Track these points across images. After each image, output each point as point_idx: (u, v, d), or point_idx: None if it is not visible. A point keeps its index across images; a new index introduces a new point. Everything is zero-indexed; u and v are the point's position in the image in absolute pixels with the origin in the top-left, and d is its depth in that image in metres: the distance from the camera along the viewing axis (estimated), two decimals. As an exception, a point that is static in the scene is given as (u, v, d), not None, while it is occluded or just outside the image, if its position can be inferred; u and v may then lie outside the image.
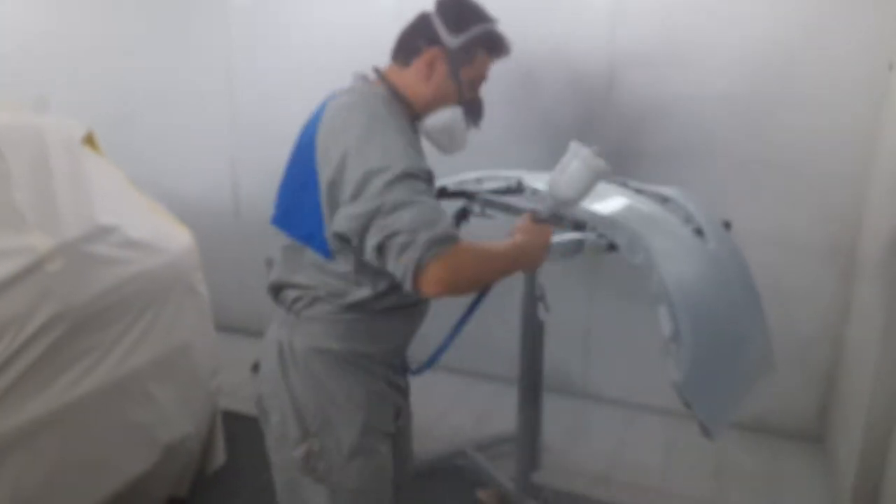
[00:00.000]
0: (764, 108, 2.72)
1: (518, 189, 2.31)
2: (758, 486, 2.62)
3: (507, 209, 2.20)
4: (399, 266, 1.20)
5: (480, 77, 1.50)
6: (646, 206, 1.92)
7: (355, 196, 1.22)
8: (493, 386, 3.35)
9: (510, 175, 2.36)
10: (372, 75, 1.49)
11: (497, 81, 3.14)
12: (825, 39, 2.59)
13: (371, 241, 1.22)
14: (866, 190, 2.62)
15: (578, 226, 1.84)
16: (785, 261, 2.79)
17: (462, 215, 2.60)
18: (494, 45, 1.49)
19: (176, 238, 2.29)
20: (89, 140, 2.24)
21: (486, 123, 3.21)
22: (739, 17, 2.69)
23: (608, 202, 1.91)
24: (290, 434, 1.41)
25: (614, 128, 2.97)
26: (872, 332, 2.20)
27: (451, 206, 2.56)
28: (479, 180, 2.43)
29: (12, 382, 1.69)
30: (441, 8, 1.45)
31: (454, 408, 3.22)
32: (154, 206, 2.33)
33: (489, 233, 2.70)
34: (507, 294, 2.62)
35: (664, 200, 2.05)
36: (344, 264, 1.34)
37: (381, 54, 3.50)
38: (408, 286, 1.21)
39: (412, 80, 1.45)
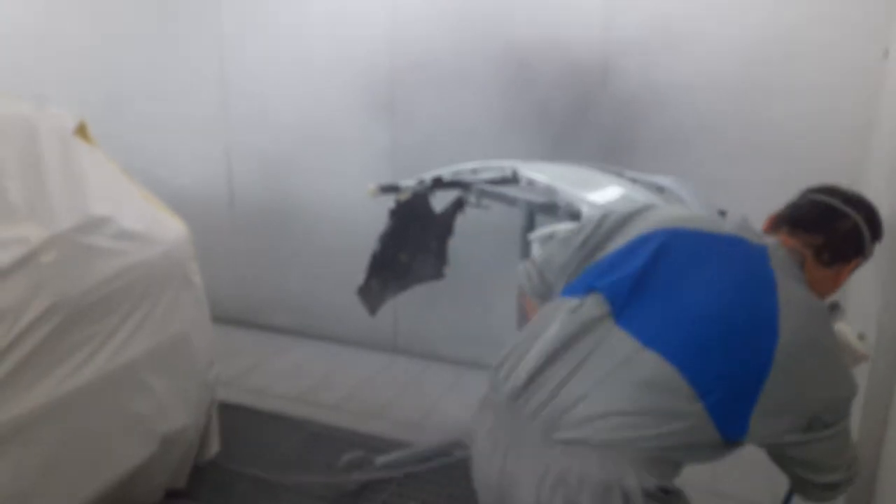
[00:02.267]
0: (759, 95, 2.72)
1: (513, 179, 2.31)
2: (752, 474, 2.64)
3: (503, 199, 2.20)
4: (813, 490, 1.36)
5: None
6: (641, 195, 1.92)
7: (827, 423, 1.26)
8: (487, 375, 3.35)
9: (505, 165, 2.35)
10: (794, 253, 1.39)
11: (490, 69, 3.15)
12: (820, 26, 2.58)
13: (825, 477, 1.33)
14: (862, 176, 2.62)
15: (574, 215, 1.84)
16: (780, 249, 2.80)
17: (458, 205, 2.60)
18: None
19: (170, 229, 2.28)
20: (81, 130, 2.22)
21: (480, 112, 3.23)
22: (735, 5, 2.68)
23: (603, 192, 1.91)
24: None
25: (609, 116, 2.96)
26: (867, 321, 2.21)
27: (446, 197, 2.56)
28: (474, 170, 2.43)
29: (7, 374, 1.68)
30: (869, 218, 1.43)
31: (450, 397, 3.23)
32: (148, 197, 2.32)
33: (485, 221, 2.72)
34: (502, 283, 2.63)
35: (659, 190, 2.05)
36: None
37: (373, 43, 3.48)
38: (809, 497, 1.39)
39: (822, 279, 1.40)
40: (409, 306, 3.41)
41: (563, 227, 1.78)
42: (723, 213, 2.04)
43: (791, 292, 1.28)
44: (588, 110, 3.00)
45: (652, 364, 1.22)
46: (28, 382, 1.74)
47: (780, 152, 2.73)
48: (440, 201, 2.60)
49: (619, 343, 1.26)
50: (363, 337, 3.68)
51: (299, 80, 3.52)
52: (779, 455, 1.34)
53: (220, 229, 3.88)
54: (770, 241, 1.38)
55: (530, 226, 2.10)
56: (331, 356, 3.64)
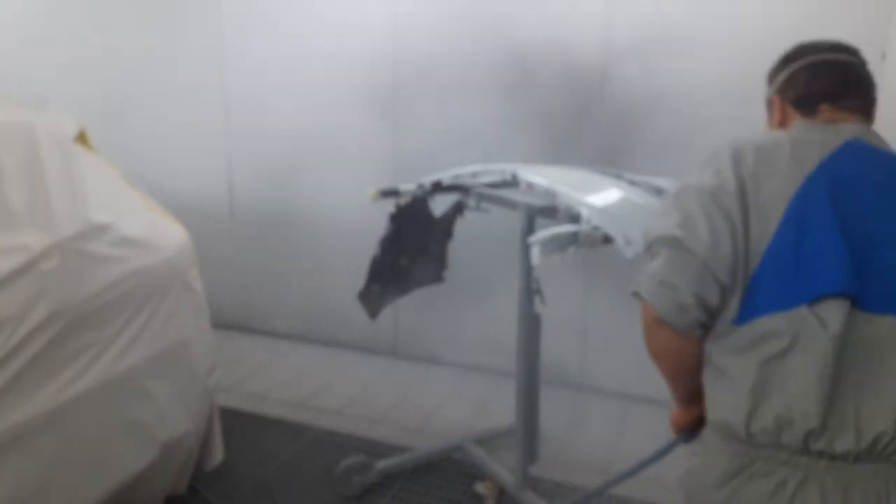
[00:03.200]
0: (758, 98, 2.72)
1: (513, 182, 2.31)
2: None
3: (502, 203, 2.20)
4: None
5: None
6: (640, 197, 1.92)
7: None
8: (489, 379, 3.35)
9: (505, 168, 2.36)
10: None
11: (492, 75, 3.16)
12: (818, 29, 2.58)
13: None
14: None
15: (573, 218, 1.85)
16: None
17: (457, 209, 2.60)
18: None
19: (171, 235, 2.28)
20: (82, 137, 2.23)
21: (480, 115, 3.24)
22: (733, 8, 2.69)
23: (603, 194, 1.92)
24: None
25: (609, 119, 2.97)
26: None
27: (446, 201, 2.57)
28: (474, 174, 2.43)
29: (9, 381, 1.68)
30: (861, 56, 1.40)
31: (451, 401, 3.23)
32: (149, 203, 2.32)
33: (485, 224, 2.72)
34: (504, 288, 2.63)
35: (658, 192, 2.05)
36: None
37: (374, 49, 3.47)
38: None
39: None
40: (409, 310, 3.41)
41: (564, 229, 1.78)
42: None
43: None
44: (588, 114, 3.01)
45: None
46: (29, 390, 1.74)
47: (779, 154, 2.74)
48: (440, 206, 2.60)
49: (887, 330, 1.09)
50: (364, 342, 3.68)
51: (300, 86, 3.53)
52: None
53: (220, 236, 3.89)
54: (851, 126, 1.24)
55: (530, 229, 2.10)
56: (332, 361, 3.64)
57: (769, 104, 1.41)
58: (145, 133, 3.87)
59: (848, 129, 1.24)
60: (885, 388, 1.09)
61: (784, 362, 1.11)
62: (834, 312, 1.08)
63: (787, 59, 1.39)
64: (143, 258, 2.10)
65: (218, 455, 2.50)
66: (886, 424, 1.09)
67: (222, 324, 3.83)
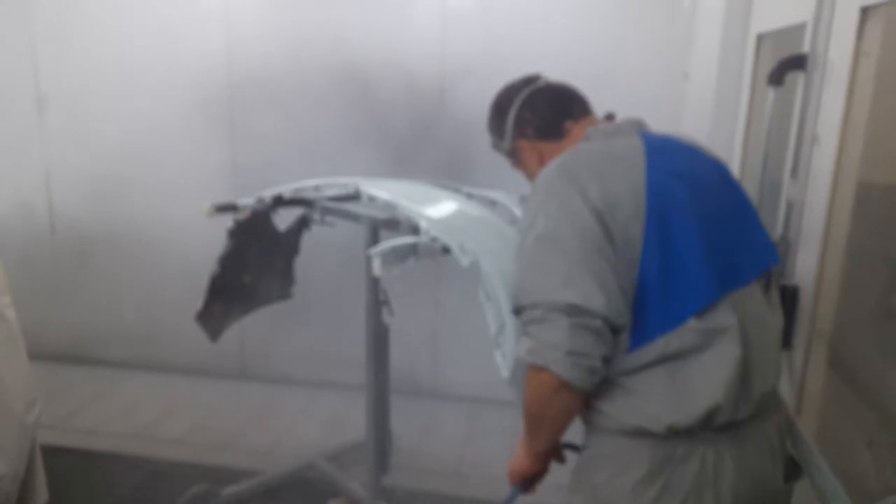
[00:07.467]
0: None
1: (355, 196, 2.33)
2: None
3: (347, 216, 2.21)
4: None
5: None
6: (475, 209, 2.01)
7: None
8: (343, 394, 3.33)
9: (347, 182, 2.37)
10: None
11: (332, 88, 3.16)
12: (627, 50, 2.85)
13: None
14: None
15: (414, 230, 1.89)
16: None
17: (303, 223, 2.57)
18: None
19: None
20: None
21: (323, 130, 3.23)
22: (552, 30, 2.90)
23: (440, 207, 1.98)
24: None
25: (448, 134, 3.07)
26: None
27: (290, 215, 2.53)
28: (316, 188, 2.42)
29: None
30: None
31: (303, 420, 3.17)
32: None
33: (331, 238, 2.71)
34: (354, 301, 2.62)
35: (492, 204, 2.16)
36: None
37: (208, 56, 3.35)
38: None
39: None
40: (256, 329, 3.31)
41: (403, 241, 1.82)
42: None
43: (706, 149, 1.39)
44: (428, 129, 3.09)
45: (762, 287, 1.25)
46: None
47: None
48: (286, 220, 2.56)
49: (758, 293, 1.23)
50: (208, 365, 3.52)
51: (126, 96, 3.33)
52: None
53: (41, 259, 3.56)
54: (621, 122, 1.32)
55: (374, 241, 2.12)
56: (172, 388, 3.44)
57: (514, 152, 1.44)
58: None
59: (624, 124, 1.31)
60: (771, 346, 1.22)
61: (693, 364, 1.12)
62: (724, 310, 1.13)
63: (500, 109, 1.44)
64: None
65: (42, 497, 2.29)
66: (772, 382, 1.22)
67: (45, 355, 3.51)
